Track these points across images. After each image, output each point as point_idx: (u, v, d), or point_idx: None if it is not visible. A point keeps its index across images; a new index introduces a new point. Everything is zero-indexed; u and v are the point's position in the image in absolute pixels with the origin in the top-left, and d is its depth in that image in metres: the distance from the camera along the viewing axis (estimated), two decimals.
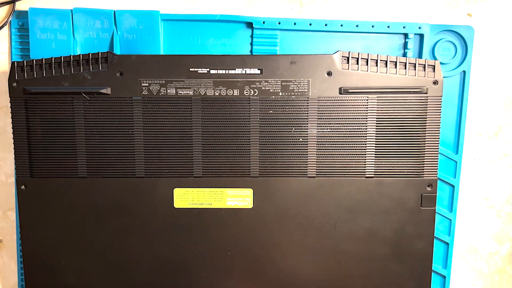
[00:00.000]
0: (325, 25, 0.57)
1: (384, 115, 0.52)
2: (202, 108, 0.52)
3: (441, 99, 0.52)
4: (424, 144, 0.52)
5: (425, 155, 0.52)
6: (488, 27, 0.59)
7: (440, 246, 0.61)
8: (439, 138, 0.52)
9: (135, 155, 0.52)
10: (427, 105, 0.51)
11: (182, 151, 0.52)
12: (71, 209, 0.53)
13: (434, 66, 0.51)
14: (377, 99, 0.51)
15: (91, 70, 0.51)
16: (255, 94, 0.51)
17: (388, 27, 0.57)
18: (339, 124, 0.52)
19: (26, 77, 0.51)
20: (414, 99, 0.51)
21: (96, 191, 0.53)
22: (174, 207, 0.53)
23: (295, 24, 0.57)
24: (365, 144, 0.52)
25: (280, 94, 0.51)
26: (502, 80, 0.60)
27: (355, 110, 0.52)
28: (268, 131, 0.52)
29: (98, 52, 0.51)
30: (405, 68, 0.51)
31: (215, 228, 0.54)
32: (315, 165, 0.52)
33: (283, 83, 0.51)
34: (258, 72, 0.51)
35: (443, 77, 0.53)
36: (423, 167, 0.52)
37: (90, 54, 0.51)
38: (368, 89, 0.51)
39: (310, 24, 0.57)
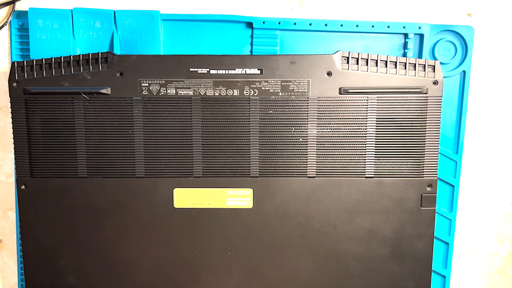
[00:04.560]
0: (325, 25, 0.57)
1: (384, 115, 0.52)
2: (202, 108, 0.52)
3: (441, 99, 0.52)
4: (424, 144, 0.52)
5: (425, 155, 0.52)
6: (488, 27, 0.59)
7: (440, 246, 0.61)
8: (439, 138, 0.52)
9: (135, 155, 0.52)
10: (427, 105, 0.51)
11: (182, 151, 0.52)
12: (71, 209, 0.53)
13: (434, 66, 0.51)
14: (377, 99, 0.51)
15: (91, 70, 0.51)
16: (255, 94, 0.51)
17: (388, 27, 0.57)
18: (339, 124, 0.52)
19: (26, 77, 0.51)
20: (414, 99, 0.51)
21: (96, 191, 0.53)
22: (174, 207, 0.53)
23: (295, 24, 0.57)
24: (365, 144, 0.52)
25: (280, 94, 0.51)
26: (502, 80, 0.60)
27: (355, 110, 0.52)
28: (268, 131, 0.52)
29: (98, 52, 0.51)
30: (405, 68, 0.51)
31: (215, 228, 0.54)
32: (315, 165, 0.52)
33: (283, 83, 0.51)
34: (258, 72, 0.51)
35: (443, 77, 0.53)
36: (423, 167, 0.52)
37: (90, 54, 0.51)
38: (368, 89, 0.51)
39: (310, 24, 0.57)
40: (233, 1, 0.58)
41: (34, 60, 0.51)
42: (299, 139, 0.52)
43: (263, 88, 0.51)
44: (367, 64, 0.51)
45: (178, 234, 0.54)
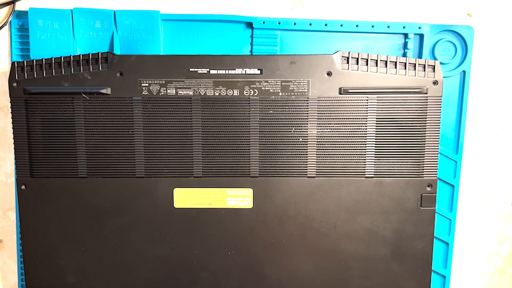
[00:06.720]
0: (325, 25, 0.57)
1: (384, 115, 0.52)
2: (202, 108, 0.52)
3: (441, 99, 0.52)
4: (424, 144, 0.52)
5: (425, 155, 0.52)
6: (488, 27, 0.59)
7: (440, 246, 0.61)
8: (439, 138, 0.52)
9: (135, 155, 0.52)
10: (427, 105, 0.51)
11: (182, 151, 0.52)
12: (71, 209, 0.53)
13: (434, 66, 0.51)
14: (377, 99, 0.51)
15: (91, 70, 0.51)
16: (255, 94, 0.51)
17: (388, 27, 0.57)
18: (339, 124, 0.52)
19: (26, 77, 0.51)
20: (414, 99, 0.51)
21: (96, 191, 0.53)
22: (174, 207, 0.53)
23: (295, 24, 0.57)
24: (365, 144, 0.52)
25: (280, 94, 0.51)
26: (502, 80, 0.60)
27: (355, 110, 0.52)
28: (268, 131, 0.52)
29: (98, 52, 0.51)
30: (405, 68, 0.51)
31: (215, 228, 0.54)
32: (315, 165, 0.52)
33: (283, 83, 0.51)
34: (258, 72, 0.51)
35: (443, 77, 0.53)
36: (423, 167, 0.52)
37: (90, 54, 0.51)
38: (368, 89, 0.51)
39: (310, 24, 0.57)
40: (233, 1, 0.58)
41: (34, 60, 0.51)
42: (299, 139, 0.52)
43: (263, 88, 0.51)
44: (367, 64, 0.51)
45: (178, 234, 0.54)
